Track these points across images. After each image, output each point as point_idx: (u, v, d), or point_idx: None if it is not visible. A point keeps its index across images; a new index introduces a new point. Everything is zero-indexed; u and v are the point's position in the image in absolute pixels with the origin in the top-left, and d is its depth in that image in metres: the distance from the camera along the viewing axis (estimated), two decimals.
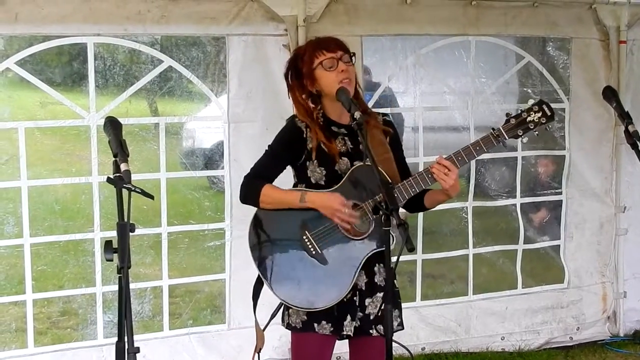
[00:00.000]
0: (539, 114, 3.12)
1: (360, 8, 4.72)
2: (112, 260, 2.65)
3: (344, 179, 3.15)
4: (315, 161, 3.17)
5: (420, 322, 5.09)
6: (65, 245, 4.61)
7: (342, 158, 3.19)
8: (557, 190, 5.40)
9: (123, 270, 2.62)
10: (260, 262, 3.18)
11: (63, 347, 4.50)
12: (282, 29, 4.52)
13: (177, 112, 4.87)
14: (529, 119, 3.12)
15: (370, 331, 3.19)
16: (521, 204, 5.32)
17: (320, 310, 3.13)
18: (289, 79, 3.26)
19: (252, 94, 4.56)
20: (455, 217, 5.24)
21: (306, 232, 3.15)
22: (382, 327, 3.12)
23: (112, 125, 2.91)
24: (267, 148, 3.27)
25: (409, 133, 5.28)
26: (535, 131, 3.12)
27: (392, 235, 3.06)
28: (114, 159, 2.78)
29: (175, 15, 4.35)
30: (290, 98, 3.28)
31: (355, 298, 3.17)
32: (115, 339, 2.68)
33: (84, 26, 4.22)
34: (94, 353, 4.45)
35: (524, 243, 5.34)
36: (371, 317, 3.19)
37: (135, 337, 2.62)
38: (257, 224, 3.21)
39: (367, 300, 3.19)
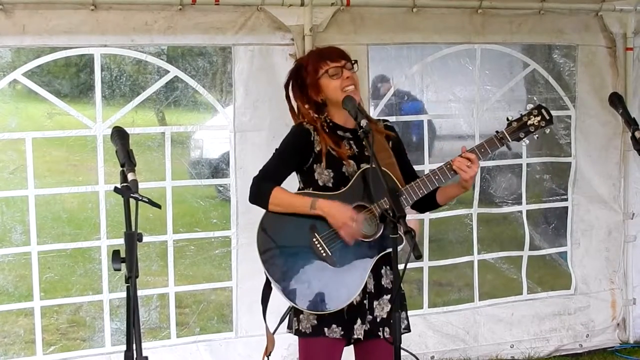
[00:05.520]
0: (539, 118, 3.22)
1: (366, 17, 4.73)
2: (120, 270, 2.66)
3: (352, 181, 3.19)
4: (323, 163, 3.20)
5: (429, 329, 5.08)
6: (72, 253, 4.63)
7: (349, 161, 3.23)
8: (562, 197, 5.39)
9: (131, 279, 2.62)
10: (270, 267, 3.17)
11: (72, 355, 4.51)
12: (288, 39, 4.54)
13: (183, 122, 4.88)
14: (529, 122, 3.22)
15: (379, 333, 3.20)
16: (527, 210, 5.31)
17: (330, 313, 3.13)
18: (290, 89, 3.32)
19: (259, 103, 4.57)
20: (461, 224, 5.24)
21: (315, 234, 3.16)
22: (389, 330, 3.15)
23: (119, 135, 2.92)
24: (274, 152, 3.30)
25: (415, 140, 5.28)
26: (535, 134, 3.21)
27: (402, 237, 3.07)
28: (121, 168, 2.79)
29: (182, 25, 4.37)
30: (288, 107, 3.35)
31: (365, 301, 3.19)
32: (123, 346, 2.69)
33: (91, 37, 4.24)
34: None
35: (530, 250, 5.33)
36: (378, 320, 3.21)
37: (143, 346, 2.62)
38: (265, 228, 3.21)
39: (375, 303, 3.21)
